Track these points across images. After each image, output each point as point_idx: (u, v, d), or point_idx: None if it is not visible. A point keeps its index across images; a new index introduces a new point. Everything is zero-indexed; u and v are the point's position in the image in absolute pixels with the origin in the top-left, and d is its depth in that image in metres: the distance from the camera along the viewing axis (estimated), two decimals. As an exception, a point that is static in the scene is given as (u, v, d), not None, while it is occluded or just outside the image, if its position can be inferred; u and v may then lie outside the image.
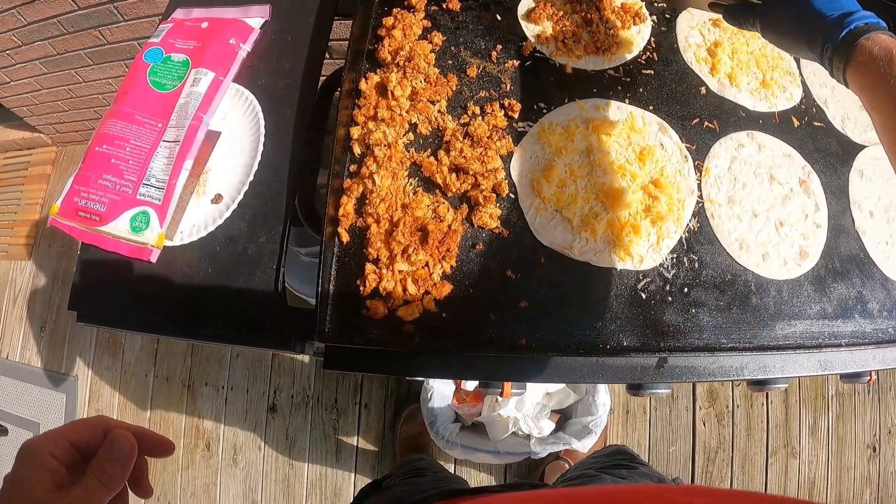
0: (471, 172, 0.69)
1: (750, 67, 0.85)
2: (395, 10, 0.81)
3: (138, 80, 0.86)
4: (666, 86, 0.81)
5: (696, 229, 0.73)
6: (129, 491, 0.41)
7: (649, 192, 0.73)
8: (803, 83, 0.87)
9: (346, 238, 0.68)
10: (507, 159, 0.73)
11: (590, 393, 1.21)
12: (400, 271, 0.65)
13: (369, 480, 1.44)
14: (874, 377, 0.77)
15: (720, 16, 0.90)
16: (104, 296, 0.80)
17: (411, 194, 0.69)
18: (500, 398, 1.14)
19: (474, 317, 0.65)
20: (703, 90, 0.82)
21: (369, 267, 0.66)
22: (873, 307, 0.73)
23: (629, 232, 0.69)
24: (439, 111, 0.74)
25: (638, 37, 0.84)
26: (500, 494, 0.57)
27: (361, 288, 0.66)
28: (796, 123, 0.82)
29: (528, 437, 1.19)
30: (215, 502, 1.49)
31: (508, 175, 0.72)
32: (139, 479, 0.42)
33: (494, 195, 0.69)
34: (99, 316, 0.81)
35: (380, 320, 0.64)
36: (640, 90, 0.80)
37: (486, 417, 1.17)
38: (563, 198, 0.70)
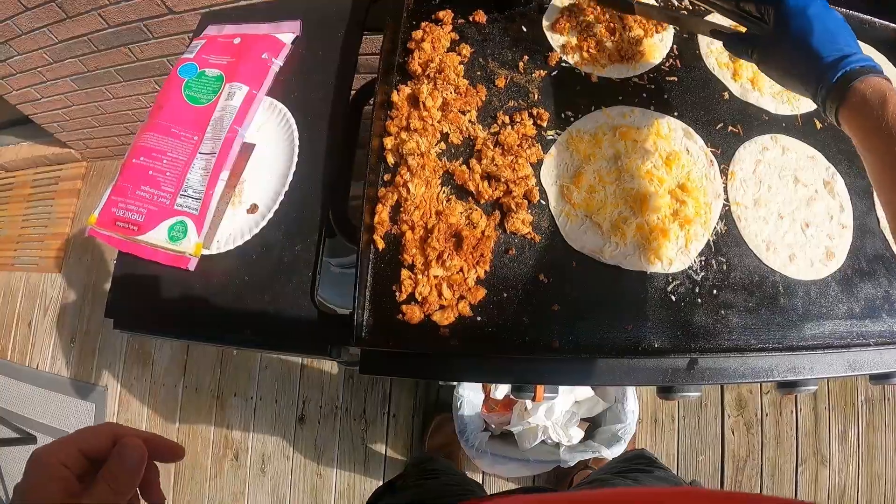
0: (502, 180, 0.72)
1: None
2: (423, 24, 0.85)
3: (173, 94, 0.91)
4: (690, 92, 0.83)
5: (723, 232, 0.74)
6: (140, 498, 0.42)
7: (676, 196, 0.74)
8: None
9: (381, 245, 0.71)
10: (536, 167, 0.75)
11: (618, 401, 1.22)
12: (435, 276, 0.67)
13: (397, 491, 1.46)
14: None
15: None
16: (141, 304, 0.83)
17: (445, 202, 0.72)
18: (528, 407, 1.15)
19: (508, 320, 0.67)
20: (727, 95, 0.83)
21: (405, 273, 0.69)
22: None
23: (658, 235, 0.71)
24: (470, 121, 0.77)
25: (661, 44, 0.86)
26: (503, 497, 0.58)
27: (397, 293, 0.68)
28: (819, 126, 0.84)
29: (558, 445, 1.20)
30: (243, 511, 1.50)
31: (539, 182, 0.74)
32: (150, 486, 0.42)
33: (526, 202, 0.72)
34: (136, 323, 0.84)
35: (416, 325, 0.67)
36: (665, 97, 0.82)
37: (515, 426, 1.18)
38: (592, 203, 0.72)
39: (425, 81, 0.78)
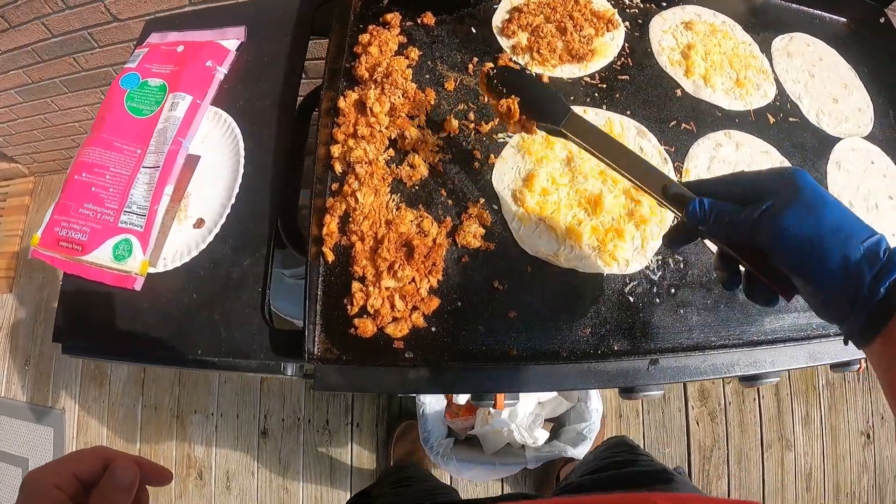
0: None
1: (724, 67, 0.87)
2: (370, 28, 0.82)
3: (115, 106, 0.86)
4: (642, 90, 0.82)
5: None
6: None
7: (631, 195, 0.73)
8: (776, 80, 0.88)
9: (331, 257, 0.68)
10: (488, 171, 0.73)
11: (582, 400, 1.21)
12: (387, 288, 0.65)
13: (366, 500, 1.43)
14: (863, 365, 0.77)
15: (692, 19, 0.92)
16: (89, 326, 0.78)
17: (394, 210, 0.69)
18: (492, 410, 1.13)
19: (463, 329, 0.64)
20: (679, 92, 0.83)
21: (356, 285, 0.66)
22: None
23: (613, 237, 0.70)
24: (419, 125, 0.74)
25: (612, 43, 0.85)
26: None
27: (349, 307, 0.65)
28: (772, 120, 0.84)
29: (524, 447, 1.19)
30: (210, 531, 1.44)
31: (491, 186, 0.72)
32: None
33: (476, 217, 0.70)
34: (84, 347, 0.79)
35: (369, 338, 0.64)
36: (617, 95, 0.80)
37: (479, 430, 1.16)
38: (546, 207, 0.70)
39: (372, 86, 0.75)
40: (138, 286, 0.76)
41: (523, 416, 1.16)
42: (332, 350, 0.65)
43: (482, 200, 0.70)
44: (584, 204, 0.72)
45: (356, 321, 0.64)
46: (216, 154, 0.83)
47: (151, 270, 0.77)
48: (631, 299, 0.68)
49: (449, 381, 0.66)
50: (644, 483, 0.80)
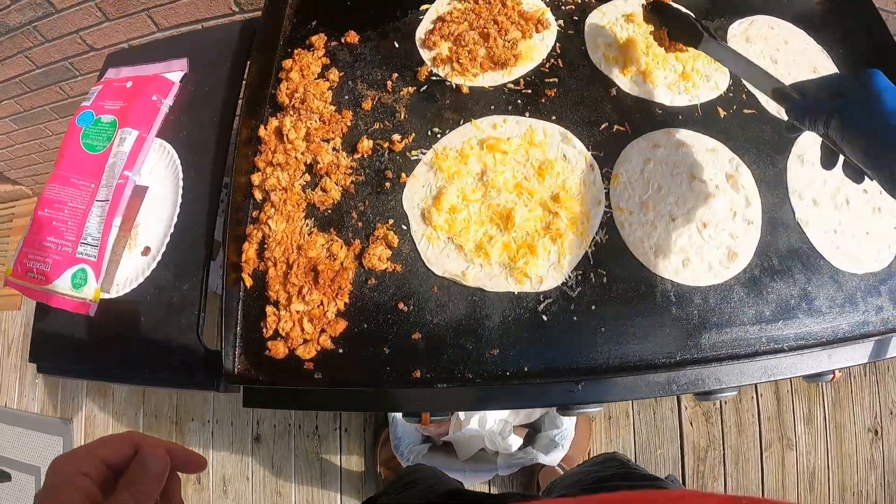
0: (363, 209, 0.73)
1: (668, 60, 0.84)
2: (295, 52, 0.85)
3: (72, 143, 0.93)
4: (571, 92, 0.80)
5: (603, 242, 0.72)
6: None
7: (549, 207, 0.72)
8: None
9: (249, 283, 0.72)
10: (399, 191, 0.75)
11: (554, 405, 1.22)
12: (297, 311, 0.68)
13: (356, 502, 1.50)
14: (838, 375, 0.74)
15: (634, 11, 0.86)
16: (57, 348, 0.87)
17: (307, 235, 0.72)
18: (462, 416, 1.16)
19: (369, 352, 0.67)
20: (614, 92, 0.80)
21: (269, 309, 0.70)
22: (821, 304, 0.70)
23: (525, 253, 0.70)
24: (334, 149, 0.77)
25: (541, 44, 0.84)
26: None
27: (264, 330, 0.70)
28: (722, 114, 0.80)
29: (497, 453, 1.21)
30: (209, 534, 1.56)
31: (402, 206, 0.74)
32: (171, 496, 0.42)
33: (383, 239, 0.72)
34: (54, 367, 0.89)
35: (281, 360, 0.68)
36: (542, 101, 0.79)
37: (452, 437, 1.19)
38: (455, 224, 0.71)
39: (290, 112, 0.79)
40: (92, 312, 0.84)
41: (493, 423, 1.18)
42: (250, 371, 0.69)
43: (391, 221, 0.73)
44: (496, 220, 0.72)
45: (269, 343, 0.68)
46: (161, 185, 0.89)
47: (105, 296, 0.84)
48: (545, 318, 0.68)
49: (367, 401, 0.69)
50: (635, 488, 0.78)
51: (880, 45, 0.86)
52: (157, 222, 0.87)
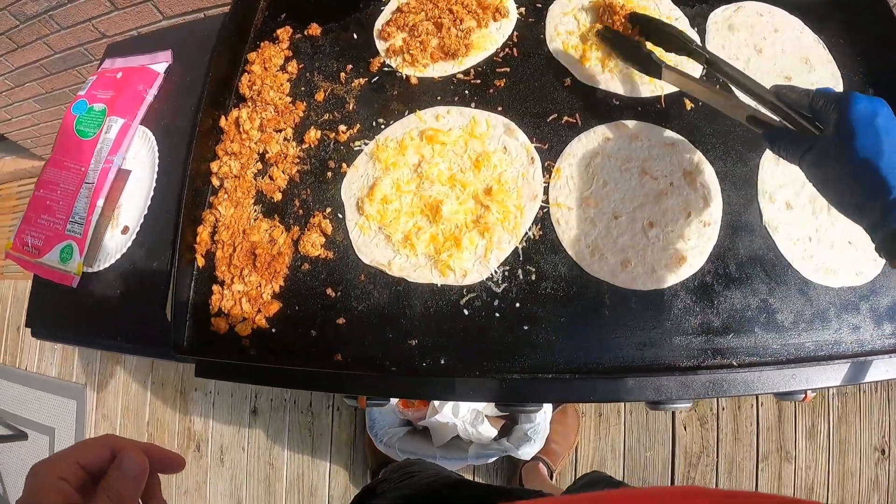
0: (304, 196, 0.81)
1: None
2: (262, 44, 0.93)
3: (67, 130, 1.07)
4: (522, 82, 0.82)
5: (536, 238, 0.74)
6: None
7: (481, 200, 0.76)
8: (707, 59, 0.80)
9: (201, 262, 0.82)
10: (341, 180, 0.81)
11: (528, 397, 1.26)
12: (238, 291, 0.78)
13: (343, 480, 1.62)
14: (810, 395, 0.72)
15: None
16: (48, 316, 1.01)
17: (252, 220, 0.82)
18: (436, 404, 1.23)
19: (298, 333, 0.75)
20: (568, 82, 0.81)
21: (216, 288, 0.79)
22: (784, 318, 0.68)
23: (450, 246, 0.74)
24: (285, 138, 0.85)
25: (497, 34, 0.86)
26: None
27: (210, 307, 0.79)
28: (689, 106, 0.79)
29: (471, 443, 1.28)
30: (205, 499, 1.72)
31: (340, 195, 0.81)
32: (153, 496, 0.43)
33: (319, 225, 0.79)
34: (47, 333, 1.03)
35: (222, 335, 0.77)
36: (490, 91, 0.82)
37: (428, 422, 1.26)
38: (386, 215, 0.77)
39: (249, 104, 0.88)
40: (75, 284, 0.97)
41: (465, 411, 1.24)
42: (197, 344, 0.79)
43: (329, 210, 0.80)
44: (426, 211, 0.77)
45: (213, 320, 0.78)
46: (142, 169, 1.01)
47: (87, 270, 0.97)
48: (466, 312, 0.72)
49: (289, 379, 0.77)
50: None
51: (884, 37, 0.82)
52: (136, 204, 0.99)
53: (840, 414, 1.39)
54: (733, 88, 0.72)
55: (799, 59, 0.85)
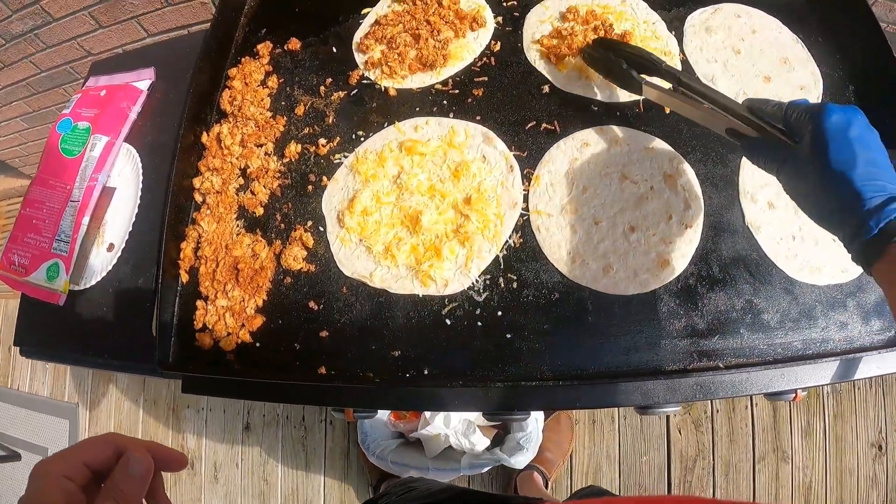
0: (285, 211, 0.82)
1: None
2: (243, 60, 0.95)
3: (52, 148, 1.08)
4: (500, 91, 0.84)
5: (517, 245, 0.75)
6: None
7: (460, 210, 0.77)
8: (685, 62, 0.84)
9: (185, 278, 0.83)
10: (322, 193, 0.83)
11: (518, 407, 1.27)
12: (221, 306, 0.79)
13: (338, 494, 1.63)
14: (800, 394, 0.73)
15: (579, 3, 0.88)
16: (36, 334, 1.02)
17: (235, 235, 0.83)
18: (427, 415, 1.24)
19: (282, 347, 0.76)
20: (546, 88, 0.83)
21: (199, 303, 0.80)
22: (770, 318, 0.69)
23: (431, 255, 0.76)
24: (266, 153, 0.87)
25: (474, 43, 0.88)
26: None
27: (195, 322, 0.80)
28: (668, 109, 0.80)
29: (464, 453, 1.29)
30: (200, 517, 1.74)
31: (321, 208, 0.82)
32: (156, 495, 0.43)
33: (301, 239, 0.80)
34: (36, 351, 1.04)
35: (207, 351, 0.78)
36: (469, 101, 0.84)
37: (420, 433, 1.27)
38: (366, 227, 0.78)
39: (230, 119, 0.90)
40: (62, 302, 0.98)
41: (457, 421, 1.25)
42: (183, 360, 0.80)
43: (310, 223, 0.81)
44: (406, 222, 0.78)
45: (197, 335, 0.79)
46: (126, 186, 1.02)
47: (74, 288, 0.98)
48: (448, 322, 0.73)
49: (276, 393, 0.78)
50: None
51: (863, 35, 0.83)
52: (121, 221, 1.00)
53: (835, 412, 1.40)
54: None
55: (778, 60, 0.87)
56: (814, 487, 1.38)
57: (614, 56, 0.78)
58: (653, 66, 0.74)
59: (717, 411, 1.45)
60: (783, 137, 0.60)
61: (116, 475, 0.39)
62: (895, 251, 0.49)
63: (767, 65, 0.87)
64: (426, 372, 0.72)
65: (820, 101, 0.83)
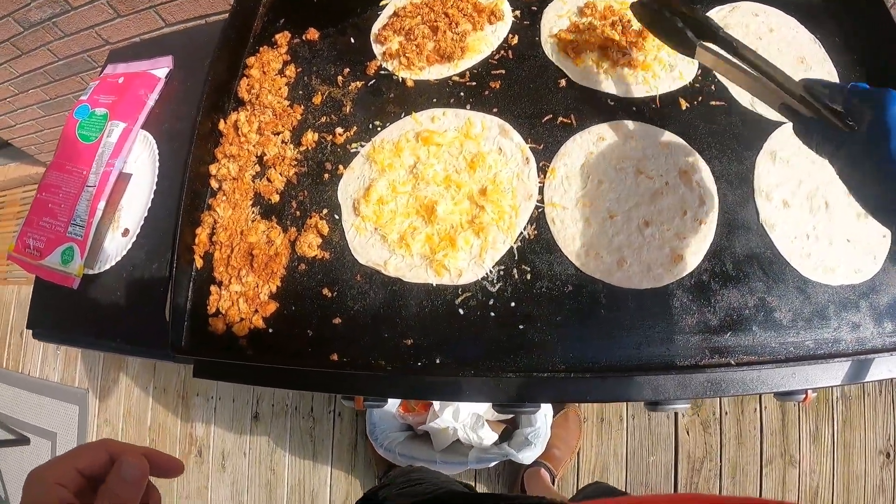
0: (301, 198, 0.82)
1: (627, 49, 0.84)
2: (261, 49, 0.95)
3: (69, 134, 1.09)
4: (517, 84, 0.84)
5: (531, 237, 0.75)
6: None
7: (475, 201, 0.77)
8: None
9: (199, 263, 0.83)
10: (338, 182, 0.83)
11: (528, 402, 1.26)
12: (235, 292, 0.79)
13: (344, 486, 1.63)
14: (811, 395, 0.72)
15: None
16: (49, 317, 1.03)
17: (250, 222, 0.83)
18: (436, 408, 1.24)
19: (294, 333, 0.76)
20: (563, 83, 0.82)
21: (213, 288, 0.80)
22: (783, 316, 0.68)
23: (445, 245, 0.75)
24: (283, 141, 0.87)
25: (492, 36, 0.88)
26: None
27: (208, 307, 0.81)
28: (685, 105, 0.80)
29: (472, 447, 1.28)
30: (207, 504, 1.74)
31: (337, 197, 0.82)
32: (151, 501, 0.43)
33: (316, 226, 0.80)
34: (48, 334, 1.04)
35: (220, 336, 0.78)
36: (486, 93, 0.84)
37: (428, 426, 1.27)
38: (382, 215, 0.78)
39: (247, 107, 0.90)
40: (76, 285, 0.99)
41: (466, 415, 1.24)
42: (196, 345, 0.80)
43: (325, 211, 0.81)
44: (421, 212, 0.78)
45: (211, 320, 0.79)
46: (142, 173, 1.03)
47: (88, 272, 0.99)
48: (461, 312, 0.73)
49: (287, 379, 0.78)
50: None
51: (881, 36, 0.82)
52: (137, 206, 1.00)
53: (844, 417, 1.39)
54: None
55: (795, 59, 0.86)
56: (820, 493, 1.37)
57: (669, 13, 0.73)
58: (709, 30, 0.70)
59: (726, 413, 1.43)
60: (838, 121, 0.57)
61: (111, 479, 0.39)
62: None
63: (785, 64, 0.84)
64: (438, 361, 0.71)
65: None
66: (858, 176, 0.55)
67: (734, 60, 0.68)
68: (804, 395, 0.73)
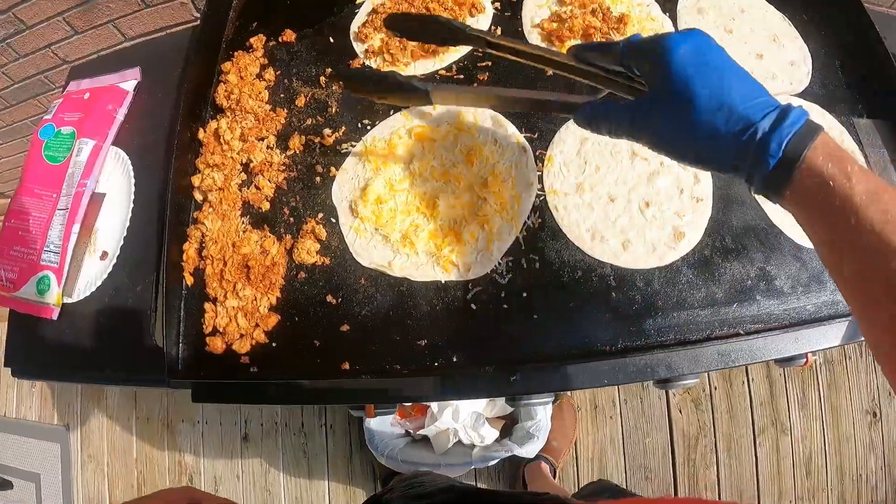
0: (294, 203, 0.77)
1: (609, 34, 0.83)
2: (236, 54, 0.90)
3: (35, 156, 1.01)
4: (505, 76, 0.81)
5: (536, 226, 0.73)
6: None
7: (477, 193, 0.75)
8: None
9: (189, 281, 0.77)
10: (329, 184, 0.78)
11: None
12: (232, 307, 0.73)
13: (342, 498, 1.56)
14: (811, 359, 0.72)
15: None
16: (28, 353, 0.94)
17: (241, 233, 0.77)
18: (435, 411, 1.20)
19: (300, 344, 0.71)
20: (550, 71, 0.78)
21: (208, 306, 0.75)
22: (782, 284, 0.69)
23: (451, 241, 0.72)
24: (268, 147, 0.82)
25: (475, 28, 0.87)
26: None
27: (203, 326, 0.75)
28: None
29: (474, 446, 1.25)
30: (203, 533, 1.63)
31: (331, 200, 0.77)
32: None
33: (313, 232, 0.76)
34: (28, 371, 0.95)
35: (220, 355, 0.73)
36: (474, 86, 0.81)
37: (427, 430, 1.23)
38: (381, 215, 0.74)
39: (227, 114, 0.84)
40: (55, 316, 0.90)
41: (466, 415, 1.21)
42: (192, 367, 0.74)
43: (320, 215, 0.77)
44: (422, 208, 0.75)
45: (208, 339, 0.73)
46: (117, 191, 0.95)
47: (67, 300, 0.91)
48: (474, 307, 0.70)
49: (297, 395, 0.73)
50: None
51: (845, 10, 0.83)
52: (113, 227, 0.93)
53: (829, 381, 1.42)
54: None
55: (768, 38, 0.87)
56: (814, 457, 1.39)
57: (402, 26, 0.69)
58: (456, 32, 0.64)
59: (716, 388, 1.45)
60: (625, 92, 0.51)
61: None
62: (806, 169, 0.40)
63: (759, 43, 0.87)
64: (455, 359, 0.68)
65: (807, 78, 0.82)
66: (668, 135, 0.47)
67: (466, 87, 0.68)
68: (805, 360, 0.73)
